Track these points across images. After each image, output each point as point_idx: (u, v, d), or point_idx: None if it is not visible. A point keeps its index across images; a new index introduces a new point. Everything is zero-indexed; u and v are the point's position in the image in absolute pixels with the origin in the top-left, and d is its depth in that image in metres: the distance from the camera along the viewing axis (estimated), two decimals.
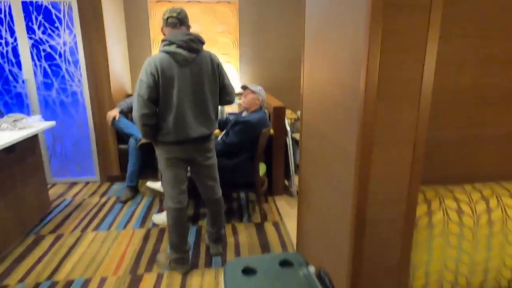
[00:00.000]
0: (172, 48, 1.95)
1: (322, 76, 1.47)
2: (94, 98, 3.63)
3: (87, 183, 3.86)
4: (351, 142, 1.15)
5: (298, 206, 2.06)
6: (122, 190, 3.62)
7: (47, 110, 3.63)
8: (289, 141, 3.40)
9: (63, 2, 3.40)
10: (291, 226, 2.88)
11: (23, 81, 3.54)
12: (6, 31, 3.41)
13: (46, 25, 3.43)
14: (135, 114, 1.97)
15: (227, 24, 4.49)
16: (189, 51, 1.97)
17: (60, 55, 3.52)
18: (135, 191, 3.51)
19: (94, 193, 3.59)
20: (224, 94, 2.20)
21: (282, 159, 3.41)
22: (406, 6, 0.98)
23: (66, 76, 3.58)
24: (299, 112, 4.54)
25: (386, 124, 1.07)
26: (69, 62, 3.55)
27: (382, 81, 1.03)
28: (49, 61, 3.52)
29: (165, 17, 2.04)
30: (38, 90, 3.57)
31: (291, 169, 3.47)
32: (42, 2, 3.38)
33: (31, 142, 2.74)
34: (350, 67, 1.14)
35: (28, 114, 3.60)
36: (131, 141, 3.50)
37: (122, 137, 3.70)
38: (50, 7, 3.40)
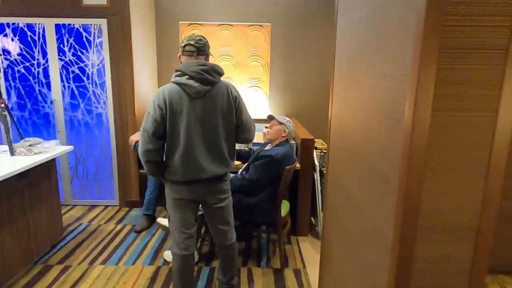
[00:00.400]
0: (183, 79, 1.76)
1: (352, 107, 1.20)
2: (118, 121, 3.56)
3: (106, 206, 3.76)
4: (391, 190, 0.86)
5: (321, 256, 1.75)
6: (139, 218, 3.46)
7: (72, 131, 3.60)
8: (317, 176, 3.10)
9: (94, 25, 3.40)
10: (314, 274, 2.54)
11: (51, 102, 3.54)
12: (39, 52, 3.45)
13: (76, 47, 3.44)
14: (139, 149, 1.80)
15: (258, 48, 4.34)
16: (202, 83, 1.77)
17: (88, 77, 3.51)
18: (151, 220, 3.34)
19: (111, 218, 3.47)
20: (242, 131, 1.96)
21: (309, 196, 3.10)
22: (471, 48, 0.71)
23: (92, 98, 3.55)
24: None
25: (437, 207, 0.77)
26: (96, 84, 3.52)
27: (433, 146, 0.75)
28: (77, 83, 3.51)
29: (183, 44, 1.87)
30: (64, 111, 3.56)
31: (318, 206, 3.14)
32: (74, 24, 3.40)
33: (46, 167, 2.65)
34: (385, 122, 0.87)
35: (54, 134, 3.59)
36: None
37: None
38: (81, 29, 3.41)
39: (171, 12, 4.18)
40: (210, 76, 1.78)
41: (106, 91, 3.52)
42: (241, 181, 2.50)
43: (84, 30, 3.42)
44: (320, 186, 3.13)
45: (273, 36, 4.27)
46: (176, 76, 1.80)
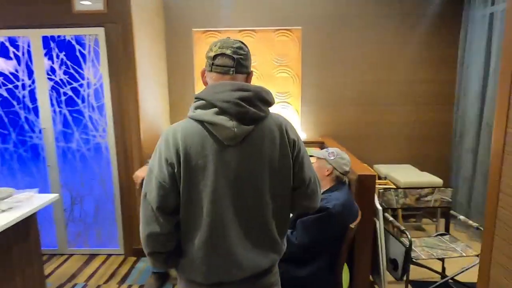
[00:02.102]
0: (209, 114, 1.03)
1: None
2: (121, 152, 2.89)
3: (108, 255, 3.07)
4: None
5: None
6: (148, 273, 2.76)
7: (66, 165, 2.94)
8: (379, 224, 2.34)
9: (89, 35, 2.76)
10: None
11: (40, 131, 2.90)
12: (23, 71, 2.82)
13: (68, 63, 2.80)
14: (140, 232, 1.09)
15: (287, 57, 3.63)
16: (241, 120, 1.04)
17: (83, 100, 2.85)
18: (163, 278, 2.63)
19: (113, 275, 2.77)
20: (302, 196, 1.18)
21: (370, 251, 2.34)
22: None
23: (89, 125, 2.89)
24: (380, 168, 3.44)
25: None
26: (93, 108, 2.86)
27: None
28: (70, 107, 2.86)
29: (212, 54, 1.11)
30: (56, 141, 2.91)
31: (381, 263, 2.38)
32: (64, 36, 2.76)
33: (20, 227, 1.97)
34: None
35: (45, 169, 2.93)
36: None
37: None
38: (73, 41, 2.77)
39: (182, 18, 3.53)
40: (254, 109, 1.05)
41: (105, 115, 2.86)
42: (289, 248, 1.77)
43: (77, 43, 2.77)
44: (384, 236, 2.36)
45: (305, 42, 3.56)
46: (196, 108, 1.07)
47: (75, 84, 2.83)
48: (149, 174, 1.06)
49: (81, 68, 2.81)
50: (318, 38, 3.55)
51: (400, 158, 3.71)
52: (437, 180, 3.12)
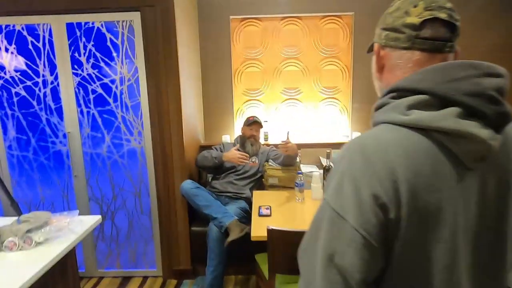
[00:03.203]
0: (446, 118, 0.59)
1: None
2: (159, 159, 2.47)
3: (145, 278, 2.66)
4: None
5: None
6: None
7: (94, 174, 2.52)
8: None
9: (122, 22, 2.34)
10: None
11: (64, 135, 2.48)
12: (44, 65, 2.40)
13: (98, 55, 2.37)
14: None
15: (335, 47, 3.22)
16: (497, 127, 0.61)
17: (115, 98, 2.43)
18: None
19: None
20: None
21: None
22: None
23: (122, 127, 2.47)
24: None
25: None
26: (127, 107, 2.44)
27: None
28: (100, 107, 2.44)
29: (413, 18, 0.67)
30: (83, 147, 2.49)
31: None
32: (93, 23, 2.34)
33: (58, 266, 1.55)
34: None
35: (70, 179, 2.52)
36: (212, 227, 2.26)
37: (197, 214, 2.49)
38: (103, 29, 2.35)
39: (219, 4, 3.10)
40: (502, 109, 0.61)
41: (141, 116, 2.44)
42: None
43: (108, 30, 2.35)
44: None
45: (357, 29, 3.15)
46: (411, 106, 0.63)
47: (105, 80, 2.41)
48: (334, 220, 0.62)
49: (113, 61, 2.38)
50: (372, 25, 3.13)
51: None
52: None
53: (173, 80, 2.36)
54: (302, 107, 3.31)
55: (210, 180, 2.77)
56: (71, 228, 1.51)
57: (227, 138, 3.15)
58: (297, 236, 1.63)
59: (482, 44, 3.09)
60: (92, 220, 1.64)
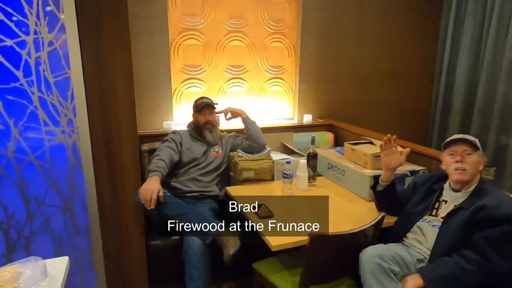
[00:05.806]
0: None
1: None
2: (102, 157, 1.78)
3: None
4: None
5: None
6: None
7: None
8: None
9: None
10: None
11: None
12: None
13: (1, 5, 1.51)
14: None
15: (282, 22, 2.97)
16: None
17: (27, 71, 1.61)
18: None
19: None
20: None
21: None
22: None
23: (41, 114, 1.67)
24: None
25: None
26: (48, 85, 1.65)
27: None
28: (3, 84, 1.59)
29: None
30: None
31: None
32: None
33: None
34: None
35: None
36: (192, 239, 1.76)
37: (152, 224, 1.94)
38: None
39: None
40: None
41: (72, 98, 1.69)
42: (475, 275, 1.27)
43: None
44: None
45: (306, 3, 2.95)
46: None
47: (8, 42, 1.56)
48: None
49: (21, 12, 1.55)
50: (322, 2, 2.98)
51: None
52: None
53: (124, 46, 1.70)
54: (248, 88, 2.97)
55: (167, 180, 2.15)
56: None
57: (170, 126, 2.57)
58: (339, 240, 1.36)
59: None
60: (62, 264, 0.99)
